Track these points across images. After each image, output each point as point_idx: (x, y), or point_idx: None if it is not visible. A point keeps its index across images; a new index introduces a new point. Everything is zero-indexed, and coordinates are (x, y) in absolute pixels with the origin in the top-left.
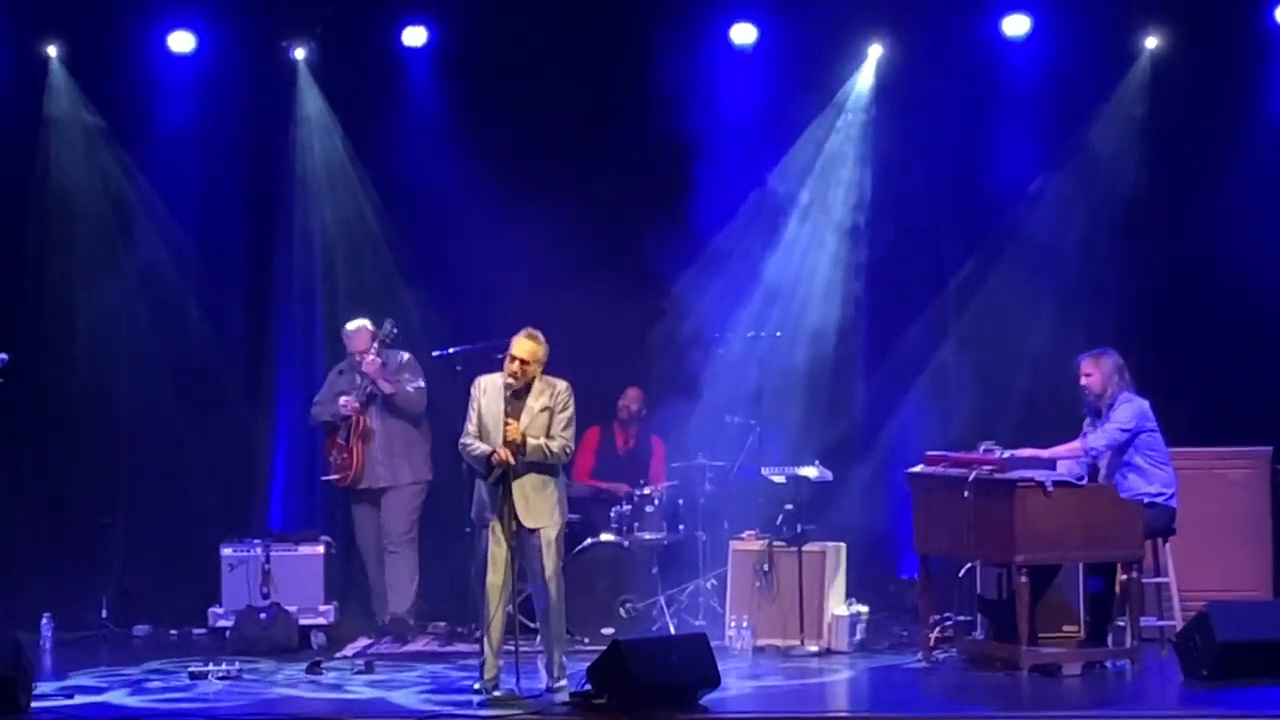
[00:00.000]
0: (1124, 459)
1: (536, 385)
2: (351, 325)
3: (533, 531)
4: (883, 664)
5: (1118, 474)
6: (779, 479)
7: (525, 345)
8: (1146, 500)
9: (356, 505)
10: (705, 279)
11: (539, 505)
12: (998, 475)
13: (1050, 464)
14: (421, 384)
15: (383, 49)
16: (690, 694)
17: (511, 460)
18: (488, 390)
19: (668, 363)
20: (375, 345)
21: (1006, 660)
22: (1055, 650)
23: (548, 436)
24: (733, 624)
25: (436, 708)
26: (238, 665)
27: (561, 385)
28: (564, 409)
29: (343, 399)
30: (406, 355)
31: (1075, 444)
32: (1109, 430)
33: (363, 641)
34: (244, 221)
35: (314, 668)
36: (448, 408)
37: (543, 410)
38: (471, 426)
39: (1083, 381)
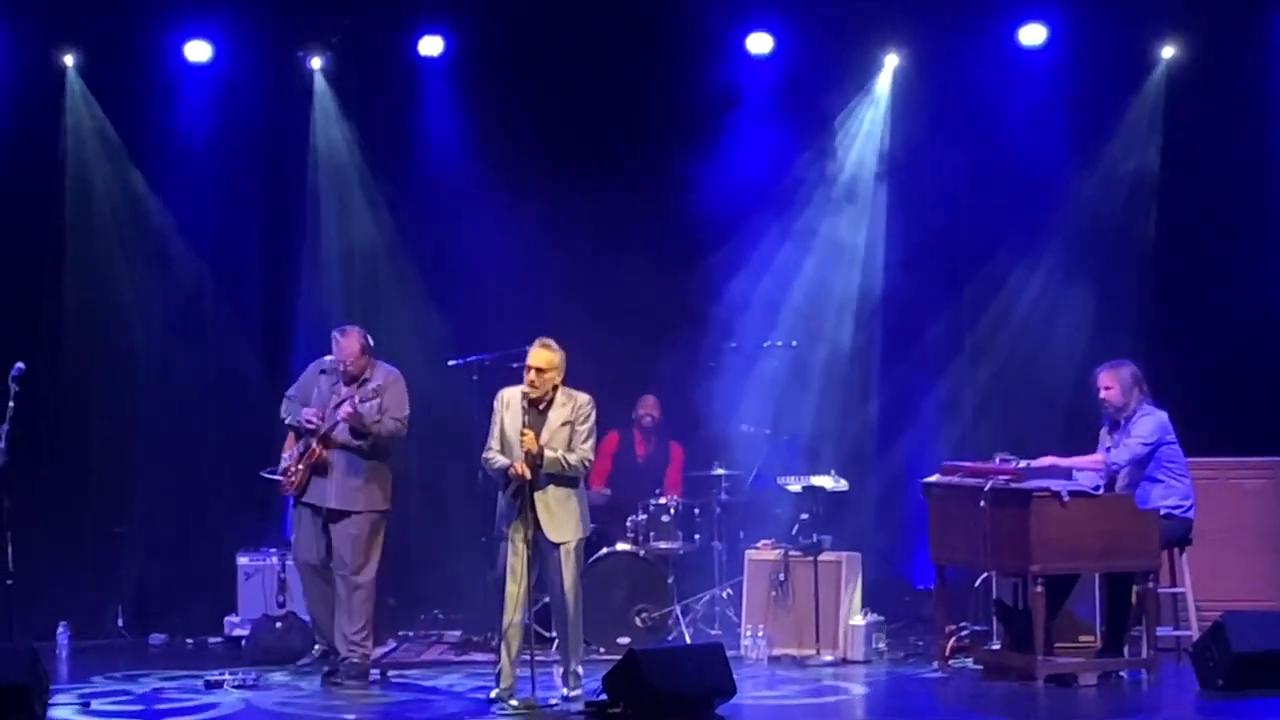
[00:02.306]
0: (1144, 472)
1: (558, 398)
2: (336, 337)
3: (556, 545)
4: (899, 674)
5: (1137, 487)
6: (795, 488)
7: (540, 355)
8: (1164, 512)
9: (296, 510)
10: (722, 288)
11: (563, 518)
12: (1014, 485)
13: (1067, 473)
14: (405, 413)
15: (399, 58)
16: (706, 704)
17: (528, 474)
18: (510, 404)
19: (684, 371)
20: (364, 358)
21: (1022, 670)
22: (1071, 660)
23: (567, 450)
24: (748, 633)
25: (453, 717)
26: (254, 674)
27: (583, 398)
28: (584, 421)
29: (307, 413)
30: (394, 374)
31: (1096, 456)
32: (1130, 445)
33: (378, 650)
34: (260, 230)
35: (330, 677)
36: (464, 416)
37: (564, 425)
38: (494, 441)
39: (1102, 395)
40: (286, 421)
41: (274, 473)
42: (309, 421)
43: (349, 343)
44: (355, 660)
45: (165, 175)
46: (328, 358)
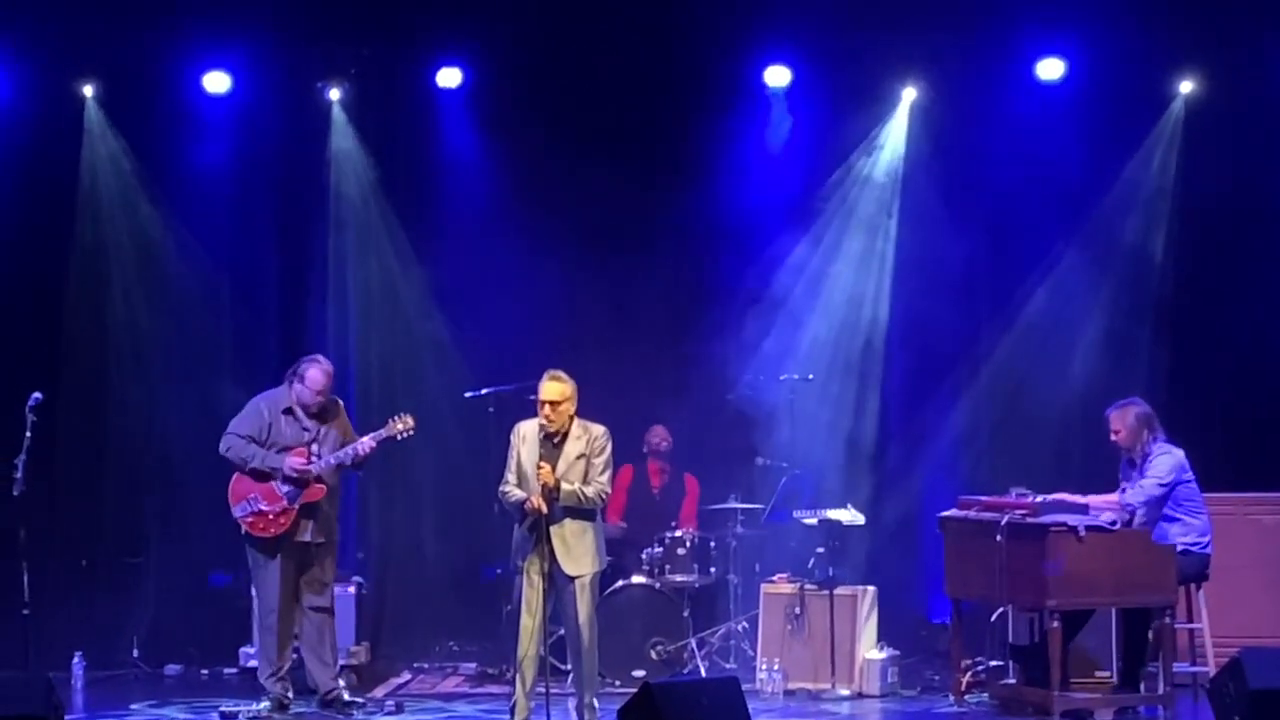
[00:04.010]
0: (1160, 511)
1: (573, 430)
2: (326, 368)
3: (572, 578)
4: (914, 708)
5: (1155, 526)
6: (811, 522)
7: (553, 388)
8: (1182, 548)
9: (272, 558)
10: (738, 321)
11: (579, 551)
12: (1030, 520)
13: (1083, 508)
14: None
15: (417, 90)
16: None
17: (544, 509)
18: (526, 437)
19: (699, 405)
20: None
21: (1039, 705)
22: (1087, 696)
23: (583, 482)
24: (764, 667)
25: None
26: (268, 705)
27: (599, 430)
28: (600, 453)
29: (312, 466)
30: (338, 400)
31: (1113, 497)
32: (1146, 486)
33: (394, 682)
34: (277, 260)
35: (345, 708)
36: (480, 447)
37: (579, 457)
38: (511, 475)
39: (1113, 438)
40: (251, 465)
41: (254, 511)
42: (299, 471)
43: (329, 371)
44: (342, 687)
45: (183, 206)
46: (270, 392)
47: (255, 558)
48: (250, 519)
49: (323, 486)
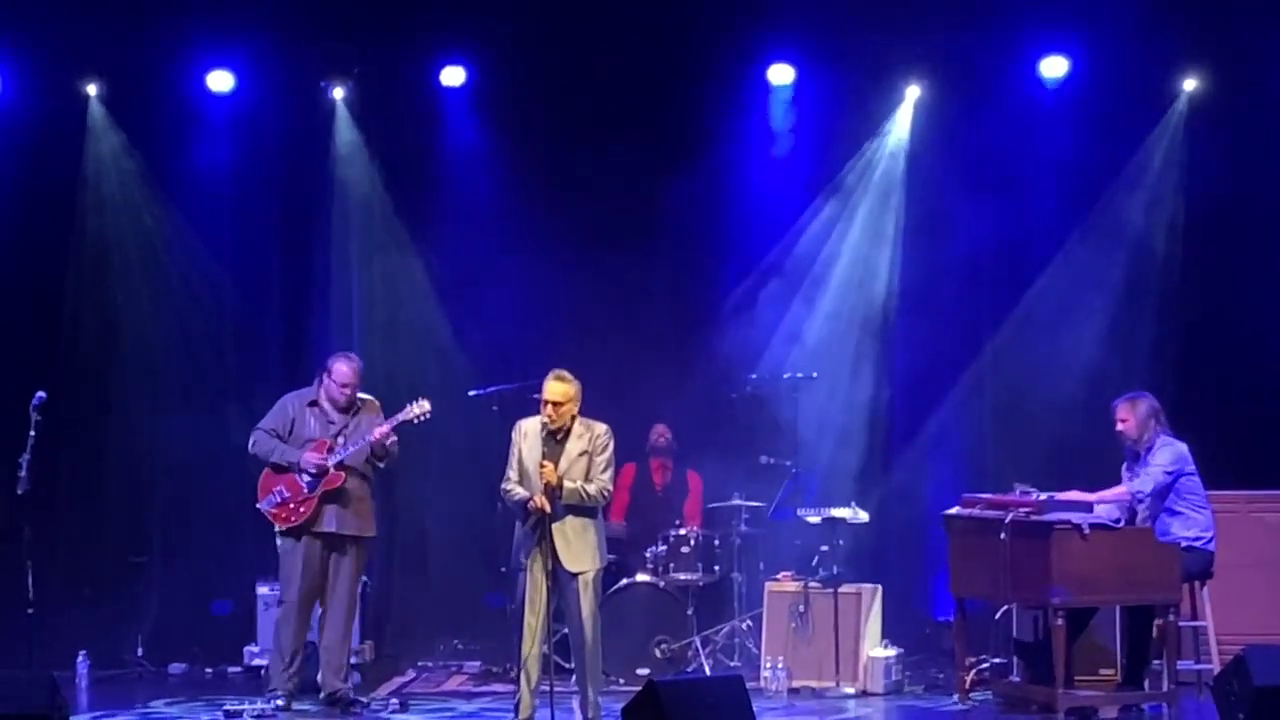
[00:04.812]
0: (1164, 504)
1: (575, 428)
2: (355, 364)
3: (574, 575)
4: (918, 706)
5: (1157, 520)
6: (815, 520)
7: (556, 388)
8: (1185, 544)
9: (297, 541)
10: (741, 319)
11: (580, 548)
12: (1034, 517)
13: (1087, 506)
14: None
15: (421, 89)
16: None
17: (547, 508)
18: (528, 434)
19: (703, 403)
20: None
21: (1043, 703)
22: (1092, 693)
23: (585, 480)
24: (768, 665)
25: None
26: (273, 704)
27: (601, 428)
28: (602, 451)
29: (330, 461)
30: (370, 398)
31: (1121, 488)
32: (1152, 473)
33: (398, 680)
34: (281, 259)
35: (349, 707)
36: (484, 446)
37: (581, 454)
38: (513, 472)
39: (1119, 427)
40: (272, 459)
41: (278, 502)
42: (316, 466)
43: (357, 367)
44: (348, 687)
45: (186, 205)
46: (307, 395)
47: (281, 548)
48: (274, 510)
49: (341, 474)
